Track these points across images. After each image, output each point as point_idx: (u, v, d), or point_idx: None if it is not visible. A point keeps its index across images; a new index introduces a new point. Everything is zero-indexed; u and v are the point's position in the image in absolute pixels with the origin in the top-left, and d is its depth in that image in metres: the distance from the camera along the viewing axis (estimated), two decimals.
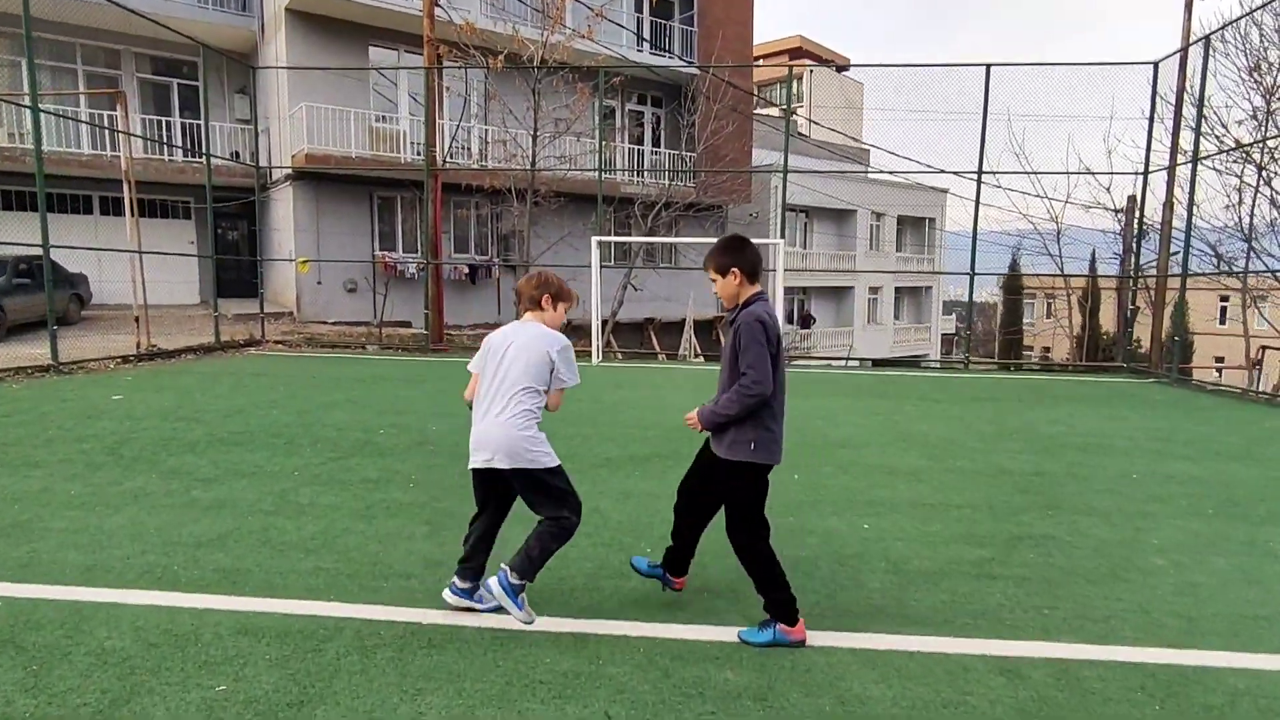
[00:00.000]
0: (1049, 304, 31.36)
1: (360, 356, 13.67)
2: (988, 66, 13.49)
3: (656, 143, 23.73)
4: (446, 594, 3.23)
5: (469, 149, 19.35)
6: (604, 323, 16.20)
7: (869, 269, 30.83)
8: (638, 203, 19.24)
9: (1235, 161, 13.05)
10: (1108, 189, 14.67)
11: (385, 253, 18.54)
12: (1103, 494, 5.48)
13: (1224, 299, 20.95)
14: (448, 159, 16.83)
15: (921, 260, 34.50)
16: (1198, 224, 12.70)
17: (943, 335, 37.86)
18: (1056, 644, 3.16)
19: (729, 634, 3.12)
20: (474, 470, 3.09)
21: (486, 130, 18.85)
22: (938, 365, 23.96)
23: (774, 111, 32.63)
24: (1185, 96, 12.58)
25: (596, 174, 15.26)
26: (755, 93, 28.31)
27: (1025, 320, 31.96)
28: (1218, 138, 12.94)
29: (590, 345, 13.44)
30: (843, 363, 17.43)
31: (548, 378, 3.07)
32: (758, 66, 24.70)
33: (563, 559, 3.51)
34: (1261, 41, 12.81)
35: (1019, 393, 11.05)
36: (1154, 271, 13.36)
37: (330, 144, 17.16)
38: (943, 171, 15.27)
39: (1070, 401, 10.25)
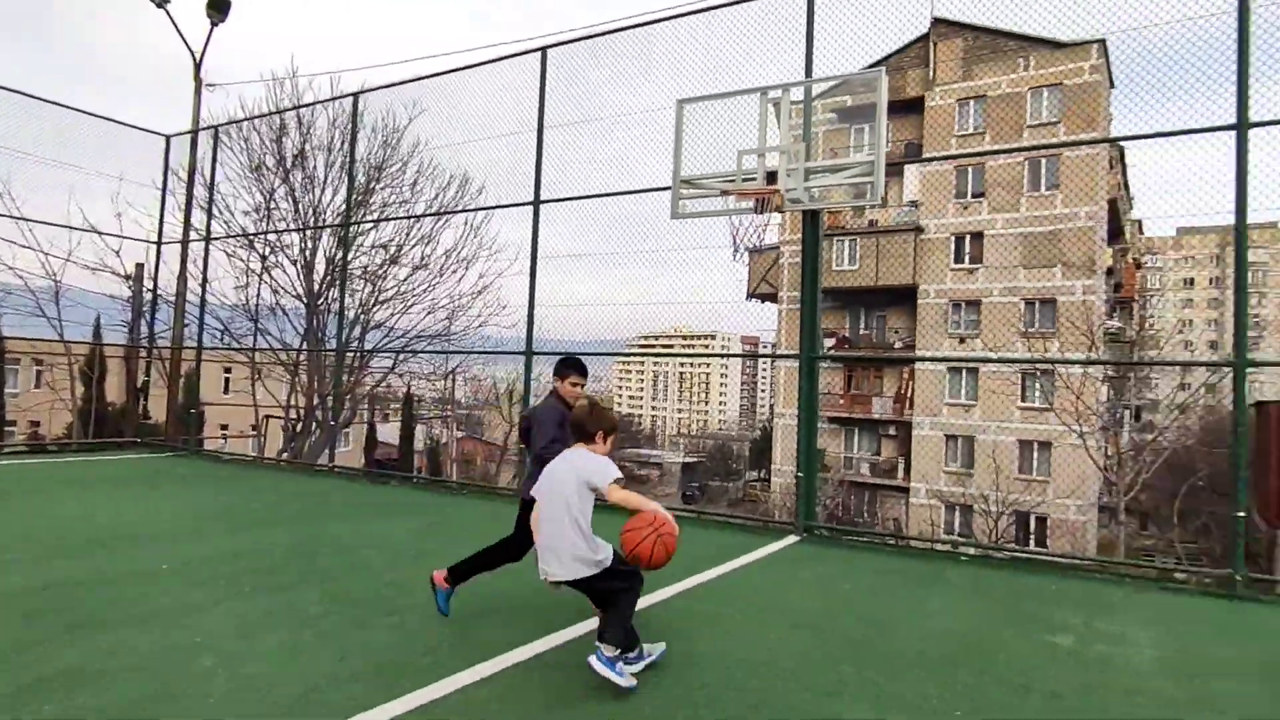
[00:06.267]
0: (39, 372, 27.26)
1: None
2: None
3: None
4: None
5: None
6: None
7: None
8: None
9: (243, 247, 14.27)
10: (118, 252, 13.79)
11: None
12: (136, 596, 4.71)
13: (227, 370, 22.50)
14: None
15: None
16: (210, 300, 13.20)
17: None
18: None
19: None
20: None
21: None
22: None
23: None
24: (197, 177, 13.05)
25: None
26: None
27: (9, 390, 26.98)
28: (225, 223, 13.91)
29: None
30: None
31: None
32: None
33: None
34: (262, 147, 14.51)
35: (7, 484, 8.94)
36: (168, 342, 13.17)
37: None
38: None
39: (83, 486, 8.89)
